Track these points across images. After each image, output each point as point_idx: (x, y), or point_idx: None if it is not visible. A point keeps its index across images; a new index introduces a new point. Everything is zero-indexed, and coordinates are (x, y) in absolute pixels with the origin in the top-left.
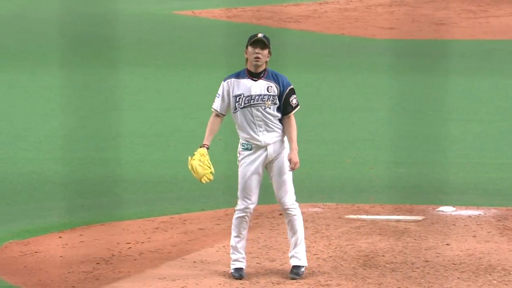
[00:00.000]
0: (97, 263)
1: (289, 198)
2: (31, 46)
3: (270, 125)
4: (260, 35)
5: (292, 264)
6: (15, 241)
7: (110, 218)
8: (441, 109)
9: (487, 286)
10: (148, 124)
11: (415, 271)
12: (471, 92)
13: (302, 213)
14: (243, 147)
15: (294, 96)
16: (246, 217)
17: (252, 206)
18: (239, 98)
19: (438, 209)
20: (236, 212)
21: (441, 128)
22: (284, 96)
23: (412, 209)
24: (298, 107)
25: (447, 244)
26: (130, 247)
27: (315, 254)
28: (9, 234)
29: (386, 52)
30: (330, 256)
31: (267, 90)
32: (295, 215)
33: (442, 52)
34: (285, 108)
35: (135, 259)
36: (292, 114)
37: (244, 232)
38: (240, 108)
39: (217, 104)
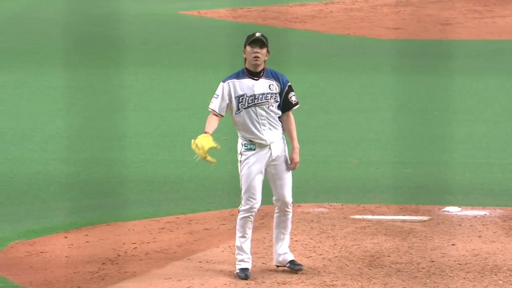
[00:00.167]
0: (103, 263)
1: (290, 197)
2: (36, 47)
3: (273, 124)
4: (258, 34)
5: (289, 259)
6: (21, 241)
7: (116, 218)
8: (446, 109)
9: (493, 286)
10: (153, 124)
11: (421, 271)
12: (477, 92)
13: (308, 213)
14: (245, 148)
15: (293, 93)
16: (251, 217)
17: (257, 206)
18: (242, 98)
19: (443, 209)
20: (241, 212)
21: (446, 128)
22: (284, 94)
23: (418, 209)
24: (298, 105)
25: (453, 245)
26: (135, 247)
27: (321, 255)
28: (15, 234)
29: (391, 52)
30: (336, 256)
31: (269, 88)
32: (290, 213)
33: (447, 52)
34: (285, 106)
35: (140, 259)
36: (291, 112)
37: (249, 232)
38: (244, 108)
39: (215, 105)
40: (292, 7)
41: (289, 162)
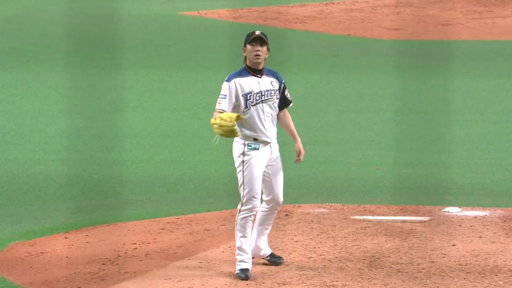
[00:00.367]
0: (103, 264)
1: (282, 196)
2: (37, 47)
3: (273, 121)
4: (257, 32)
5: (271, 252)
6: (21, 242)
7: (116, 218)
8: (447, 110)
9: (493, 287)
10: (153, 124)
11: (421, 272)
12: (477, 93)
13: (308, 213)
14: (249, 147)
15: (287, 90)
16: (251, 217)
17: (258, 205)
18: (250, 96)
19: (444, 210)
20: (242, 212)
21: (447, 129)
22: (281, 91)
23: (418, 210)
24: (292, 102)
25: (453, 245)
26: (136, 248)
27: (321, 255)
28: (15, 234)
29: (392, 53)
30: (336, 257)
31: (272, 85)
32: (277, 211)
33: (448, 52)
34: (283, 103)
35: (141, 260)
36: (287, 109)
37: (250, 232)
38: (252, 105)
39: (224, 105)
40: (293, 8)
41: (296, 154)
